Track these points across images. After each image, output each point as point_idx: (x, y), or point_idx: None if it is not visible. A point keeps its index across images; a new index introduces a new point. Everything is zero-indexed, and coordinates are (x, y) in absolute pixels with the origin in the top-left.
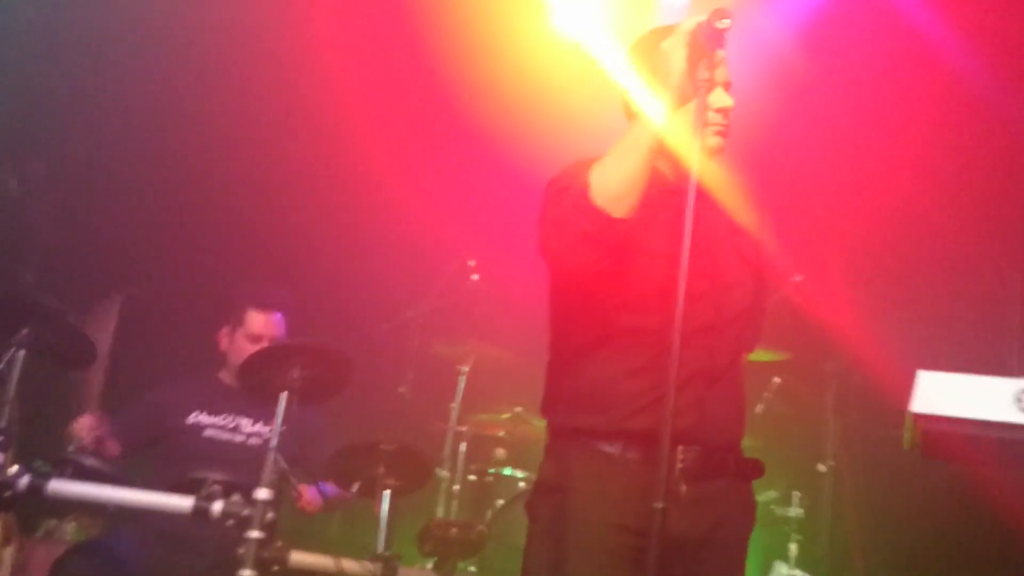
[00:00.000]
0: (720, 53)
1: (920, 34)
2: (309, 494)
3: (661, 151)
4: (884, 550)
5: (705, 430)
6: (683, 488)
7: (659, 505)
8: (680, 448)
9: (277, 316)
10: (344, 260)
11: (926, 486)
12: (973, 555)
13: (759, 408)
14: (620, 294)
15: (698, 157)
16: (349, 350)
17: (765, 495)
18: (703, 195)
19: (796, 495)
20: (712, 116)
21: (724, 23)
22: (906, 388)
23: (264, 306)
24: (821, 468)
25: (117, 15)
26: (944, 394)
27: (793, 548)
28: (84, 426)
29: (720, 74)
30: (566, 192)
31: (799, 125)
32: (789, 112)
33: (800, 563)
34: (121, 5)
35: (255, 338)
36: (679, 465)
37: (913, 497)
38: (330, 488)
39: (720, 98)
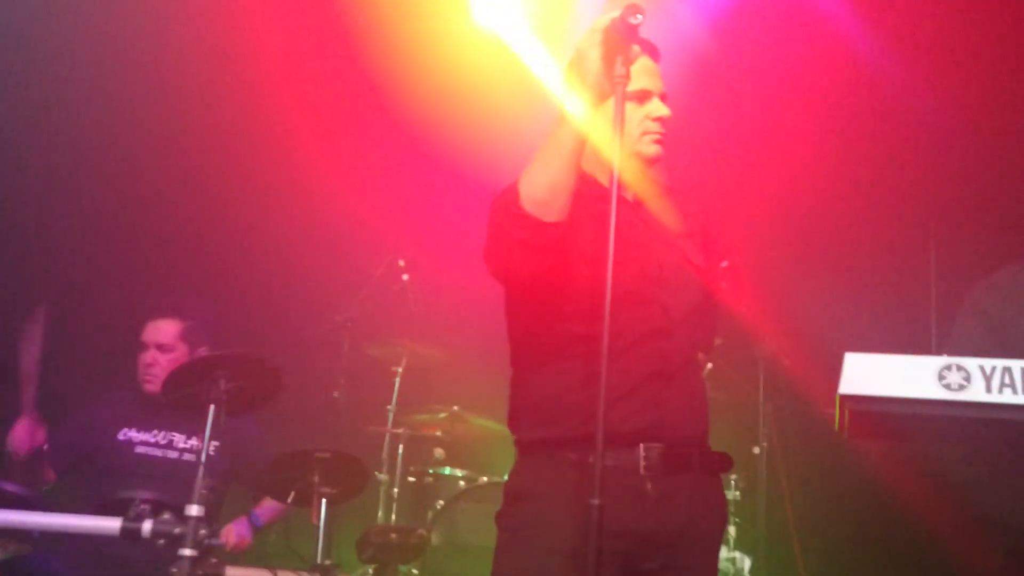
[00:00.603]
0: (636, 49)
1: (828, 23)
2: (236, 535)
3: (596, 159)
4: (819, 528)
5: (665, 427)
6: (648, 486)
7: (595, 502)
8: (642, 446)
9: (164, 323)
10: (273, 265)
11: (858, 464)
12: (905, 531)
13: None
14: (569, 303)
15: (619, 153)
16: (279, 357)
17: None
18: (645, 199)
19: (733, 478)
20: (649, 125)
21: (636, 18)
22: (834, 370)
23: (151, 313)
24: (755, 451)
25: (13, 25)
26: (870, 374)
27: (732, 531)
28: (19, 434)
29: (655, 84)
30: (501, 203)
31: (714, 115)
32: (704, 102)
33: (739, 545)
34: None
35: (143, 346)
36: (642, 463)
37: (845, 475)
38: (263, 513)
39: (657, 107)
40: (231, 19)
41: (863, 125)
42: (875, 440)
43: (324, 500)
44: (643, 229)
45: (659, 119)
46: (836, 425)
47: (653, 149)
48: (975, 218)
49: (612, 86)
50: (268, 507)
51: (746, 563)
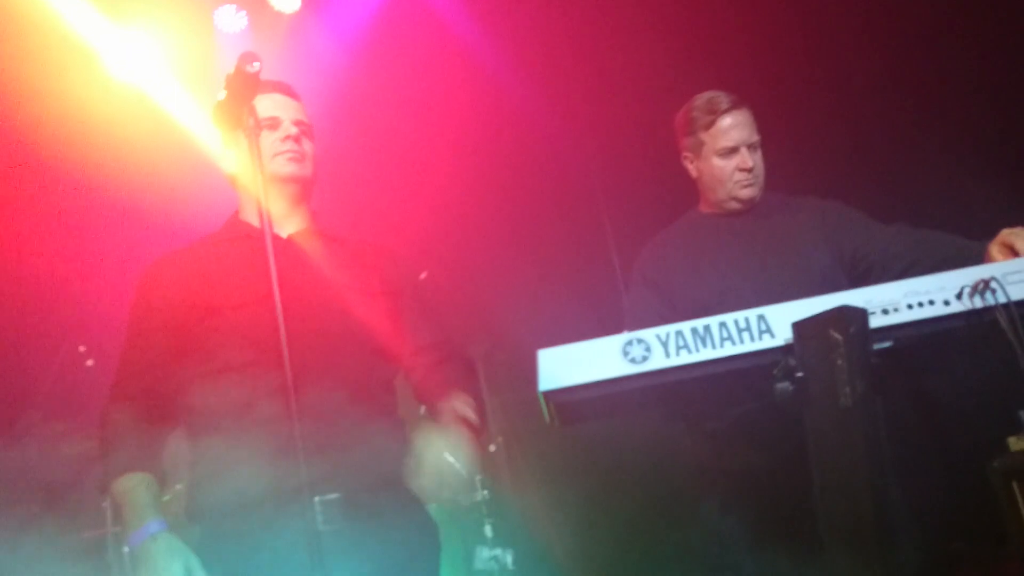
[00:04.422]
0: (260, 95)
1: (461, 45)
2: None
3: (248, 202)
4: (567, 509)
5: (339, 475)
6: (329, 541)
7: None
8: (317, 499)
9: None
10: None
11: (589, 444)
12: (642, 500)
13: (422, 409)
14: (218, 355)
15: (264, 199)
16: None
17: None
18: (301, 236)
19: (478, 479)
20: (279, 146)
21: (254, 66)
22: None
23: None
24: (492, 448)
25: None
26: (564, 366)
27: (488, 530)
28: None
29: (285, 113)
30: None
31: (359, 133)
32: (347, 122)
33: (498, 542)
34: None
35: None
36: (319, 517)
37: (581, 455)
38: None
39: (287, 128)
40: None
41: (526, 125)
42: (584, 424)
43: None
44: (292, 266)
45: (288, 138)
46: (545, 418)
47: (289, 168)
48: (642, 189)
49: (245, 133)
50: None
51: (508, 557)
